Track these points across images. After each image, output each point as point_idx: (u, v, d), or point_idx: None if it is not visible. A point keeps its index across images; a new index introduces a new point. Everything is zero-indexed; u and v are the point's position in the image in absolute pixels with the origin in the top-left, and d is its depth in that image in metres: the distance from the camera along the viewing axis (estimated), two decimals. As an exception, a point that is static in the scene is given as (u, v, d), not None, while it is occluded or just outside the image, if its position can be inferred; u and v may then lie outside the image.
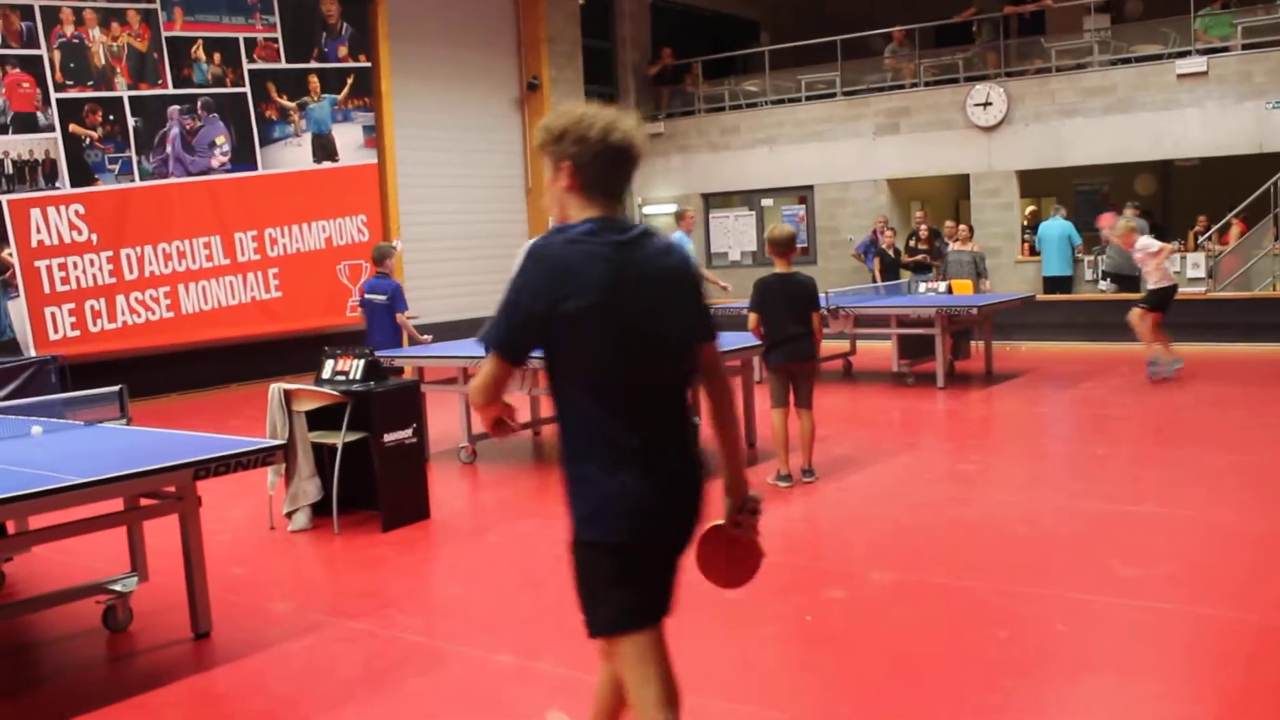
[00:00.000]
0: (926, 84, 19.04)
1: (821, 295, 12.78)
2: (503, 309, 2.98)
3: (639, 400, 2.98)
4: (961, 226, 16.55)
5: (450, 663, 4.99)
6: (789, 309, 7.78)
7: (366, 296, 11.09)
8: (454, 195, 18.40)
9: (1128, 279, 16.24)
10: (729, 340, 8.10)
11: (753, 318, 7.88)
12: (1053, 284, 16.93)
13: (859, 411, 11.51)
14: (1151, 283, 11.88)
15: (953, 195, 20.58)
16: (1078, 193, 20.63)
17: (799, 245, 20.28)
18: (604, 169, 3.00)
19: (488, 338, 2.99)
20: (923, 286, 14.41)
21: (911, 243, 16.74)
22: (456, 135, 18.51)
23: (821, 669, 4.78)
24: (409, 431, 7.41)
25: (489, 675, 4.82)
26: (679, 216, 14.17)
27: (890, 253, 16.62)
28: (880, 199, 19.24)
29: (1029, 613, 5.27)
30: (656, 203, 21.65)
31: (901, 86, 19.27)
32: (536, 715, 4.39)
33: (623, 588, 3.02)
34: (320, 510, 7.30)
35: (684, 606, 5.48)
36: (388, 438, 7.25)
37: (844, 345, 13.95)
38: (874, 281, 16.35)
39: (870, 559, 6.21)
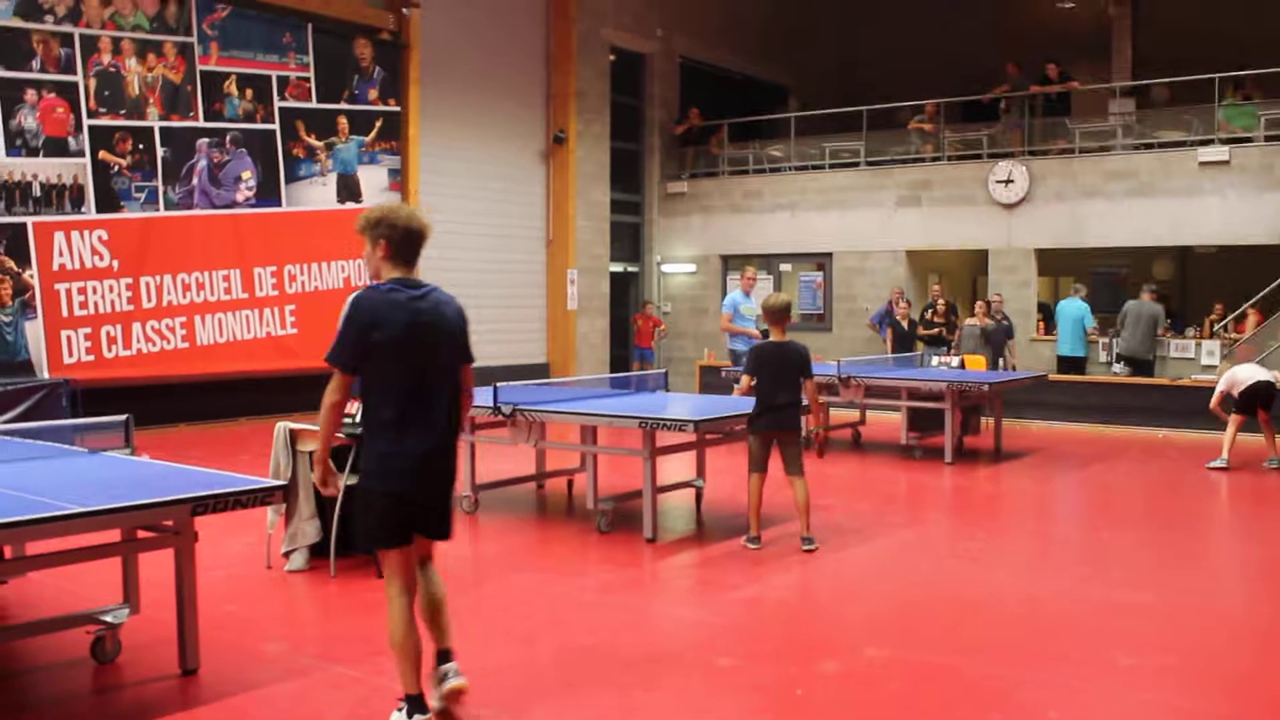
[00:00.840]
0: (950, 158, 19.14)
1: (833, 364, 12.90)
2: (338, 338, 4.49)
3: (419, 400, 4.50)
4: (980, 302, 16.59)
5: (433, 715, 4.94)
6: (781, 377, 7.92)
7: None
8: (475, 243, 18.48)
9: (1142, 363, 16.22)
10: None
11: (745, 380, 8.09)
12: (1067, 364, 16.91)
13: (865, 482, 11.47)
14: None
15: (970, 270, 20.62)
16: (1095, 274, 20.66)
17: (816, 312, 20.40)
18: (405, 245, 4.60)
19: (330, 358, 4.50)
20: (935, 360, 14.40)
21: (928, 315, 16.75)
22: (480, 183, 18.64)
23: (809, 744, 4.72)
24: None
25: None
26: (742, 274, 14.27)
27: (904, 324, 16.63)
28: (898, 269, 19.28)
29: (1024, 698, 5.22)
30: (676, 261, 21.74)
31: (925, 159, 19.37)
32: (518, 774, 4.35)
33: (391, 520, 4.51)
34: (318, 552, 7.29)
35: (670, 671, 5.46)
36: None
37: (854, 415, 13.94)
38: (887, 352, 16.35)
39: (866, 633, 6.15)
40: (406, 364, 4.47)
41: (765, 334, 8.18)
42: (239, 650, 5.74)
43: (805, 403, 8.07)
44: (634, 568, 7.68)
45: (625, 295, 21.64)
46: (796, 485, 7.96)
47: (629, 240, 21.83)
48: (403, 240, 4.58)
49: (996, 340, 15.98)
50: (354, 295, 4.52)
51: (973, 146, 19.09)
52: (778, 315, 8.12)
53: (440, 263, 17.54)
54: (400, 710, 4.53)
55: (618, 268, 21.38)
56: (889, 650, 5.85)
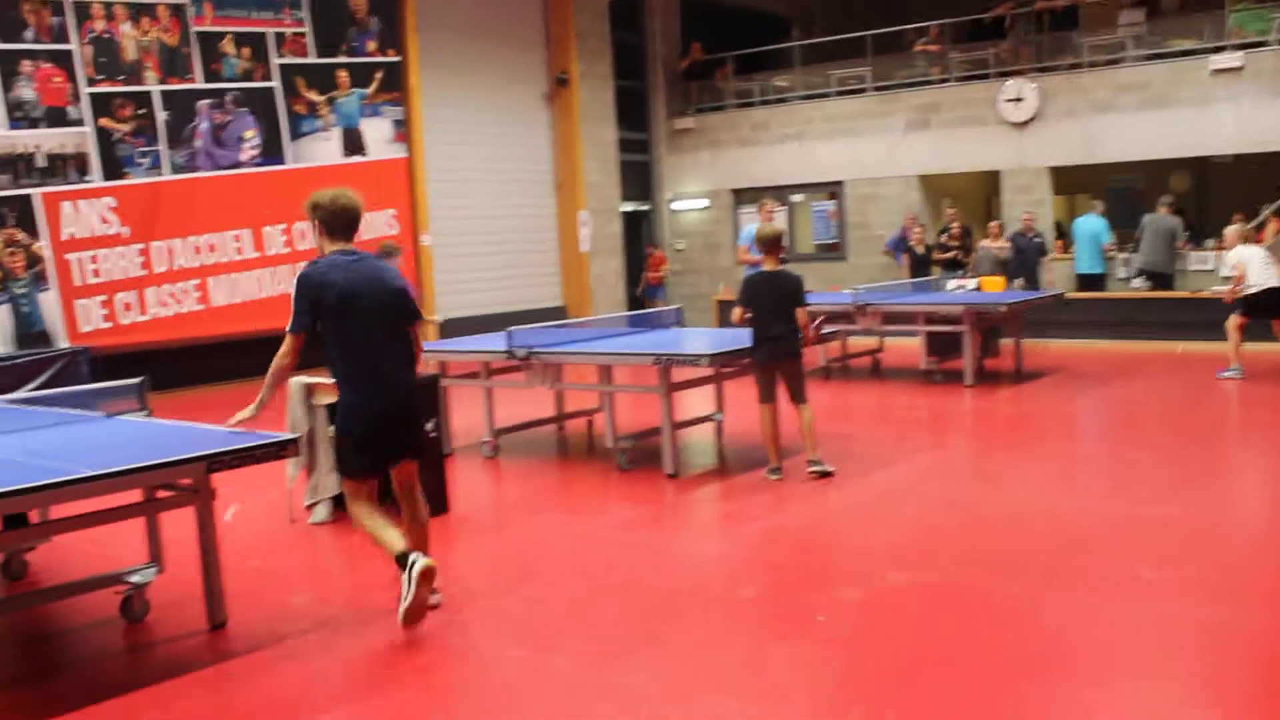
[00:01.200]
0: (958, 79, 18.89)
1: (849, 291, 12.83)
2: (294, 306, 5.14)
3: (372, 352, 5.18)
4: (993, 224, 16.43)
5: (463, 656, 4.98)
6: (774, 306, 7.91)
7: None
8: (483, 190, 18.42)
9: (1161, 276, 16.08)
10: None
11: (737, 312, 8.13)
12: (1085, 281, 16.77)
13: (885, 408, 11.44)
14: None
15: (984, 192, 20.43)
16: (1111, 189, 20.42)
17: (830, 242, 20.28)
18: (338, 221, 5.28)
19: (292, 328, 5.15)
20: (952, 283, 14.30)
21: (943, 239, 16.63)
22: (485, 129, 18.53)
23: (832, 669, 4.73)
24: (428, 426, 7.41)
25: (501, 670, 4.81)
26: (760, 207, 14.12)
27: (920, 249, 16.51)
28: (911, 195, 19.11)
29: (1047, 615, 5.21)
30: (687, 197, 21.61)
31: (932, 82, 19.13)
32: (548, 712, 4.38)
33: (359, 456, 5.25)
34: (341, 504, 7.30)
35: (693, 604, 5.48)
36: (408, 431, 7.24)
37: (872, 342, 13.88)
38: (903, 278, 16.25)
39: (888, 558, 6.16)
40: (353, 320, 5.13)
41: (784, 264, 8.13)
42: (266, 604, 5.78)
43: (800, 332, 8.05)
44: (655, 504, 7.70)
45: (638, 234, 21.56)
46: (802, 412, 7.96)
47: (639, 179, 21.70)
48: (333, 218, 5.26)
49: (1030, 258, 15.82)
50: (300, 271, 5.25)
51: (980, 66, 18.82)
52: (769, 245, 8.11)
53: (450, 210, 17.58)
54: (403, 572, 5.04)
55: (629, 207, 21.28)
56: (910, 574, 5.85)
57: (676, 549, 6.75)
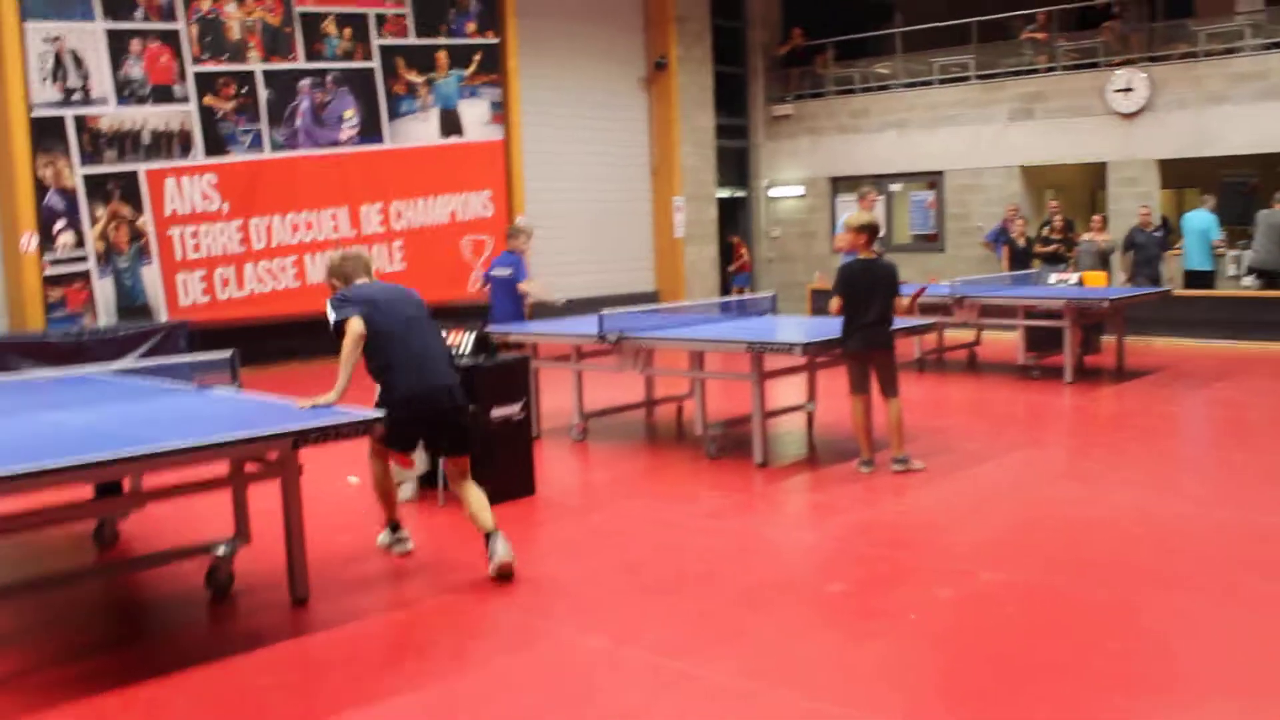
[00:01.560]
0: (1065, 69, 18.41)
1: (947, 284, 12.57)
2: (336, 305, 5.88)
3: (408, 346, 5.79)
4: (1096, 217, 15.99)
5: (542, 641, 4.92)
6: (870, 295, 7.72)
7: (492, 272, 11.11)
8: (578, 173, 18.39)
9: (1275, 275, 15.50)
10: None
11: (835, 302, 7.88)
12: (1194, 278, 16.23)
13: (980, 403, 11.17)
14: None
15: (1088, 184, 19.90)
16: (1222, 184, 19.78)
17: (928, 233, 19.93)
18: (358, 266, 6.23)
19: (340, 320, 5.77)
20: (1053, 277, 13.94)
21: (1045, 232, 16.22)
22: (582, 112, 18.48)
23: (922, 670, 4.59)
24: (517, 407, 7.39)
25: (580, 657, 4.75)
26: (860, 196, 13.86)
27: (1020, 242, 16.13)
28: (1012, 186, 18.69)
29: (1147, 624, 5.01)
30: (784, 184, 21.37)
31: (1038, 71, 18.65)
32: (624, 701, 4.30)
33: (401, 432, 5.76)
34: (427, 482, 7.31)
35: (780, 597, 5.36)
36: (495, 412, 7.23)
37: (969, 335, 13.60)
38: (1003, 271, 15.89)
39: (980, 557, 5.98)
40: (389, 320, 5.78)
41: (881, 254, 7.95)
42: (349, 580, 5.79)
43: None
44: (744, 493, 7.58)
45: (734, 221, 21.39)
46: (890, 405, 7.77)
47: (735, 165, 21.51)
48: (352, 264, 6.23)
49: (1151, 253, 15.36)
50: (344, 290, 6.04)
51: (1088, 55, 18.31)
52: (865, 233, 7.94)
53: (544, 194, 17.58)
54: (385, 531, 6.23)
55: (725, 194, 21.12)
56: (1004, 574, 5.67)
57: (764, 539, 6.63)
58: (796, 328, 9.66)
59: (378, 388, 5.80)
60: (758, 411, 8.08)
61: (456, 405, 5.85)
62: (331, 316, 5.80)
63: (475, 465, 5.95)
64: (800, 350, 7.94)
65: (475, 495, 5.86)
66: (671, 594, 5.54)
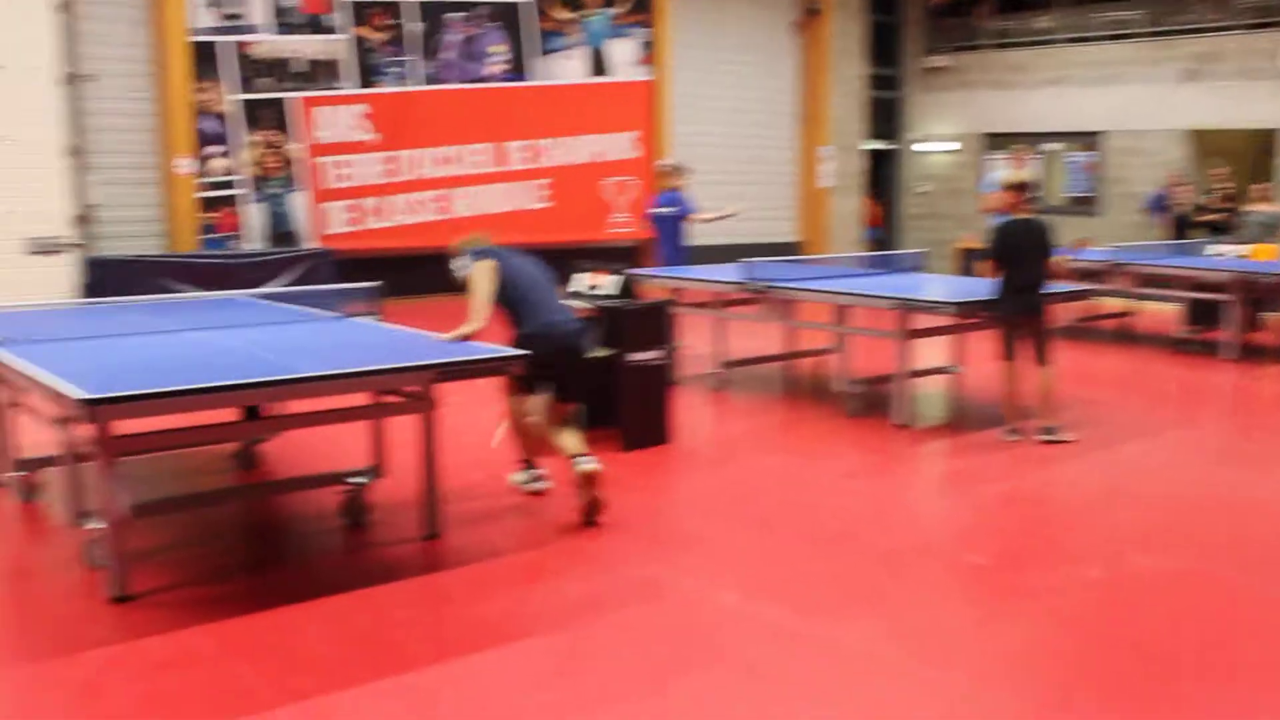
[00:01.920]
0: (1243, 27, 17.45)
1: (1105, 249, 12.07)
2: (466, 258, 6.02)
3: (538, 288, 5.98)
4: (1259, 187, 15.19)
5: (670, 595, 4.83)
6: (1027, 256, 7.44)
7: (656, 211, 11.05)
8: (725, 118, 18.10)
9: None
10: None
11: (990, 263, 7.59)
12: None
13: (1134, 377, 10.71)
14: None
15: (1257, 152, 18.93)
16: None
17: (1085, 196, 19.20)
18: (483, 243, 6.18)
19: (471, 264, 5.95)
20: (1216, 248, 13.29)
21: (1208, 200, 15.49)
22: (731, 56, 18.17)
23: (1065, 654, 4.36)
24: (657, 352, 7.28)
25: (707, 612, 4.64)
26: (1013, 155, 13.42)
27: (1183, 210, 15.41)
28: (1176, 151, 17.86)
29: (1316, 619, 4.70)
30: (936, 139, 20.78)
31: (1212, 29, 17.72)
32: (750, 658, 4.19)
33: (538, 370, 5.67)
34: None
35: (916, 564, 5.18)
36: (634, 357, 7.13)
37: (1122, 304, 13.06)
38: (1162, 239, 15.22)
39: (1130, 538, 5.69)
40: (516, 268, 5.98)
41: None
42: (482, 517, 5.77)
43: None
44: (883, 454, 7.38)
45: (883, 174, 20.91)
46: (1043, 373, 7.46)
47: (885, 117, 20.98)
48: (478, 243, 6.15)
49: None
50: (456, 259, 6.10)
51: (1267, 14, 17.33)
52: (1020, 192, 7.66)
53: (689, 137, 17.35)
54: (521, 470, 6.18)
55: (874, 146, 20.63)
56: (1156, 559, 5.39)
57: (902, 503, 6.44)
58: (945, 287, 9.34)
59: (511, 330, 5.85)
60: (902, 371, 7.85)
61: (581, 348, 6.05)
62: (461, 265, 5.98)
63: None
64: (952, 310, 7.68)
65: (570, 435, 5.84)
66: (805, 552, 5.40)
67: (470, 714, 3.75)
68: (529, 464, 6.20)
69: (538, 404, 5.96)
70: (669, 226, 10.82)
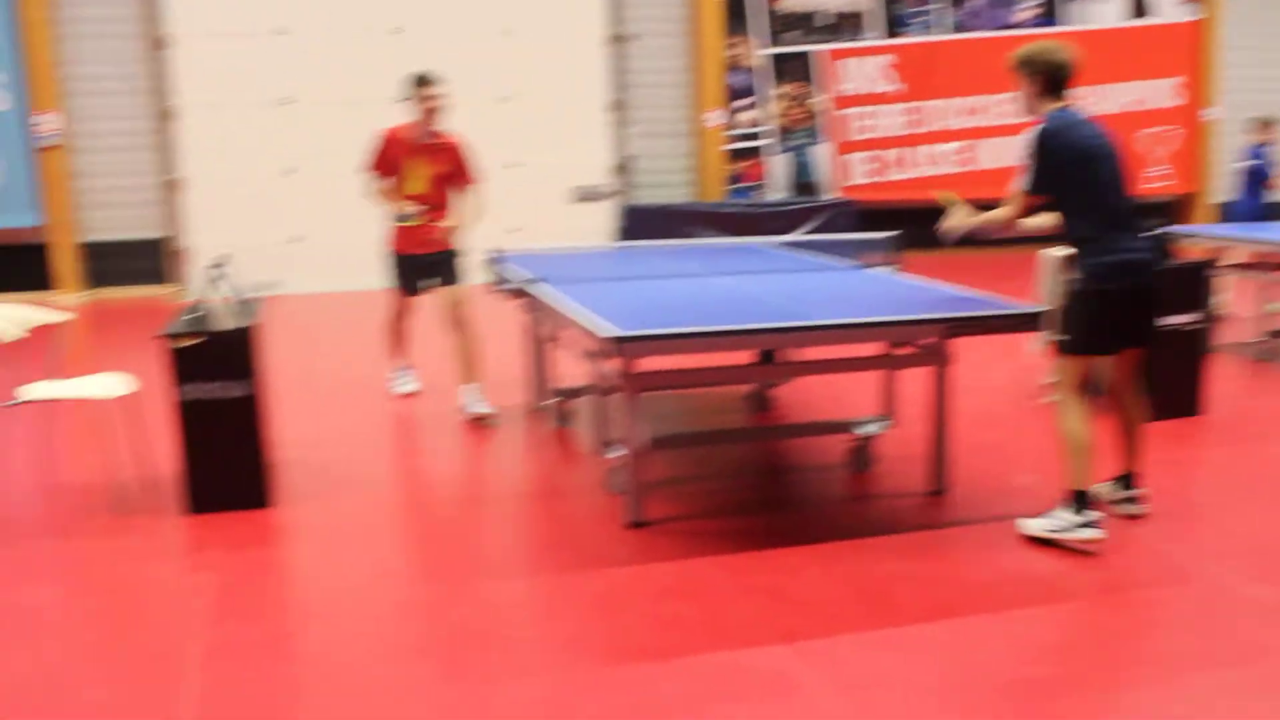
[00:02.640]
0: None
1: None
2: (1032, 168, 4.69)
3: (1121, 204, 4.70)
4: None
5: (1195, 581, 4.42)
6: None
7: (1246, 163, 10.35)
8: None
9: None
10: None
11: None
12: None
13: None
14: None
15: None
16: None
17: None
18: (1061, 76, 4.72)
19: (1028, 188, 4.72)
20: None
21: None
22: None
23: None
24: (1192, 316, 6.70)
25: (1238, 604, 4.19)
26: None
27: None
28: None
29: None
30: None
31: None
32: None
33: (1092, 325, 4.66)
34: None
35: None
36: (1167, 321, 6.60)
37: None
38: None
39: None
40: (1098, 172, 4.65)
41: None
42: (989, 479, 5.60)
43: None
44: None
45: None
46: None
47: None
48: (1057, 70, 4.72)
49: None
50: (1038, 128, 4.68)
51: None
52: None
53: (1244, 83, 15.75)
54: (1065, 508, 4.67)
55: None
56: None
57: None
58: None
59: (1074, 258, 4.73)
60: None
61: (1153, 278, 4.75)
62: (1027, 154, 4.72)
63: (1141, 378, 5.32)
64: None
65: (1142, 407, 5.03)
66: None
67: (963, 675, 3.65)
68: (1123, 478, 5.07)
69: (1104, 367, 4.97)
70: (1247, 181, 10.17)
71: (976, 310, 5.00)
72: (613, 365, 4.85)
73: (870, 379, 6.08)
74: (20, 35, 12.03)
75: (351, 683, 3.65)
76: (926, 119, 14.54)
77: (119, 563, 4.75)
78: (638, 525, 4.94)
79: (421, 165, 6.90)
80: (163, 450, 5.93)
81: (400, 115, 6.97)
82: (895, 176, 14.49)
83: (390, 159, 6.92)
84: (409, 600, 4.33)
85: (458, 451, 6.42)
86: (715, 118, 13.94)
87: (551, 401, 6.74)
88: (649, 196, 13.80)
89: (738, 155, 14.12)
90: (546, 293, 5.70)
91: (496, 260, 6.81)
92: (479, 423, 6.79)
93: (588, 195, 13.48)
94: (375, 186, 7.03)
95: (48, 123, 12.21)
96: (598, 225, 13.48)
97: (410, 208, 6.88)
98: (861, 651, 3.82)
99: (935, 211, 5.43)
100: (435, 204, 6.96)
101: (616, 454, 5.15)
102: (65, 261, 12.53)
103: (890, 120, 14.44)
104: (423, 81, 6.78)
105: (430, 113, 6.79)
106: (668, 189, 14.01)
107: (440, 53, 12.75)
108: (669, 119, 14.04)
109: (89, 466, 6.06)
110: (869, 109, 14.37)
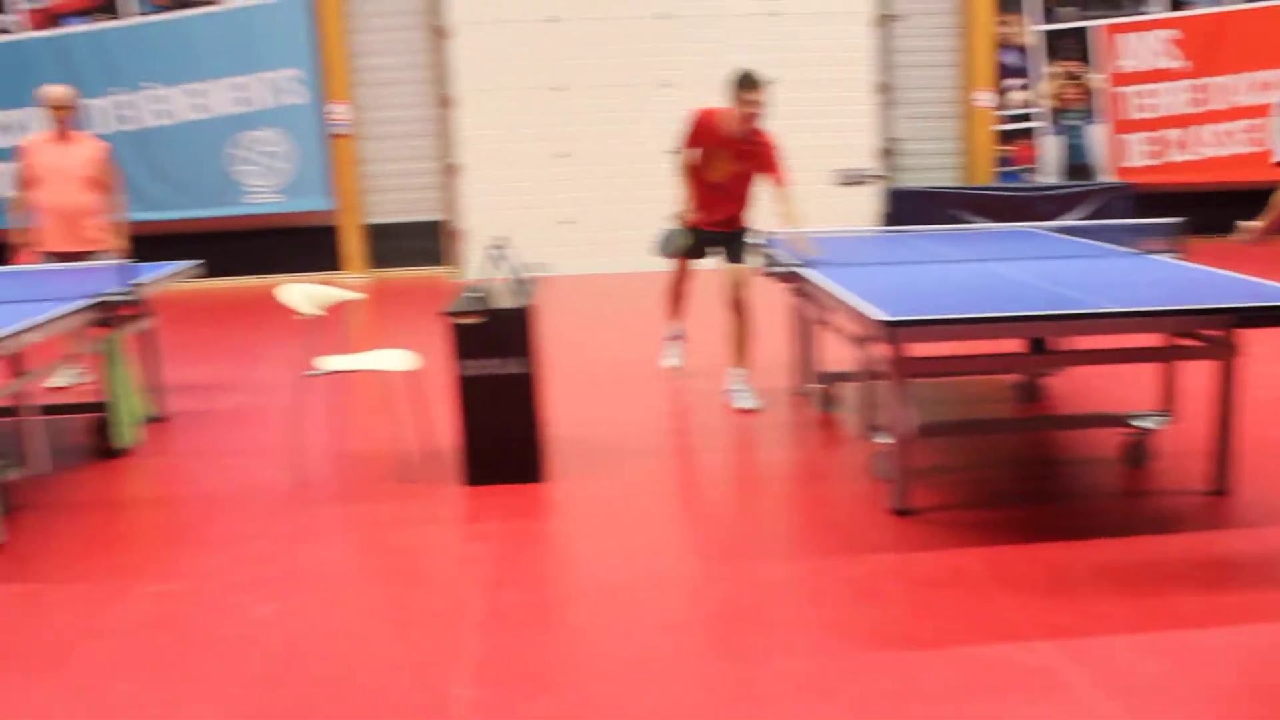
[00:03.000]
0: None
1: None
2: None
3: None
4: None
5: None
6: None
7: None
8: None
9: None
10: None
11: None
12: None
13: None
14: None
15: None
16: None
17: None
18: None
19: None
20: None
21: None
22: None
23: None
24: None
25: None
26: None
27: None
28: None
29: None
30: None
31: None
32: None
33: None
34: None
35: None
36: None
37: None
38: None
39: None
40: None
41: None
42: (1275, 479, 5.30)
43: None
44: None
45: None
46: None
47: None
48: None
49: None
50: None
51: None
52: None
53: None
54: None
55: None
56: None
57: None
58: None
59: None
60: None
61: None
62: None
63: None
64: None
65: None
66: None
67: (1246, 688, 3.49)
68: None
69: None
70: None
71: (1270, 300, 4.73)
72: (882, 350, 4.83)
73: (1147, 371, 5.83)
74: (317, 32, 12.86)
75: (621, 653, 3.80)
76: (1212, 96, 13.71)
77: (403, 528, 5.07)
78: (902, 513, 4.92)
79: (728, 158, 6.85)
80: (443, 423, 6.28)
81: (706, 100, 7.00)
82: (1177, 158, 13.74)
83: (699, 141, 6.89)
84: (675, 576, 4.45)
85: (724, 433, 6.53)
86: (985, 98, 13.56)
87: (817, 385, 6.76)
88: (915, 180, 13.57)
89: (1008, 137, 13.70)
90: (816, 276, 5.73)
91: (767, 244, 6.87)
92: (744, 414, 6.86)
93: (852, 178, 13.37)
94: (683, 162, 7.01)
95: (339, 112, 13.02)
96: (862, 209, 13.36)
97: (690, 210, 7.00)
98: (1135, 654, 3.70)
99: (1223, 195, 5.11)
100: (735, 195, 7.00)
101: (883, 440, 5.14)
102: (352, 243, 13.34)
103: (1172, 98, 13.69)
104: (746, 85, 6.59)
105: (749, 117, 6.67)
106: (934, 172, 13.74)
107: (707, 37, 12.93)
108: (936, 100, 13.75)
109: (375, 436, 6.48)
110: (1149, 86, 13.67)
